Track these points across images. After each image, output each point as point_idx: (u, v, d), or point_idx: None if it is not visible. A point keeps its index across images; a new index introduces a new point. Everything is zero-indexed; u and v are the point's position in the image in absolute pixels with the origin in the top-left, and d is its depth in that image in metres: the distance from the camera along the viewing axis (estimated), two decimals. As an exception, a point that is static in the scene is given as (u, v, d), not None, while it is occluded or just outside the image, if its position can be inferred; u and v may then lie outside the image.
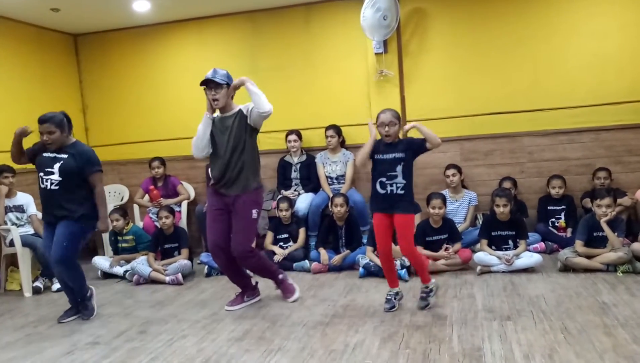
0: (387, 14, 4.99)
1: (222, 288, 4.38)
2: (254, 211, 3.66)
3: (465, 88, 5.32)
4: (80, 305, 3.80)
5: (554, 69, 5.13)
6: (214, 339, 3.24)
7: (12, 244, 4.65)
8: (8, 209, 4.74)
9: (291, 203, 5.09)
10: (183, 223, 5.57)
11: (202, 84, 3.63)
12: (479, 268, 4.29)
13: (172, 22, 6.00)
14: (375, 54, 5.30)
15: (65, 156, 3.59)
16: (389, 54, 5.34)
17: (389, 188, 3.40)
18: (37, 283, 4.67)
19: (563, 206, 4.98)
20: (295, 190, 5.42)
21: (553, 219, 4.99)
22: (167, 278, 4.62)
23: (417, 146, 3.42)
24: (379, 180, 3.44)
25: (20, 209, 4.81)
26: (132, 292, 4.48)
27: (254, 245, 3.93)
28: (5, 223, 4.69)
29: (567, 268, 4.15)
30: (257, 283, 3.97)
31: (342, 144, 5.46)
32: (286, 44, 5.71)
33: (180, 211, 5.62)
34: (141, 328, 3.54)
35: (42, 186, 3.61)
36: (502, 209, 4.33)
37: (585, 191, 5.03)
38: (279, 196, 5.25)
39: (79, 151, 3.63)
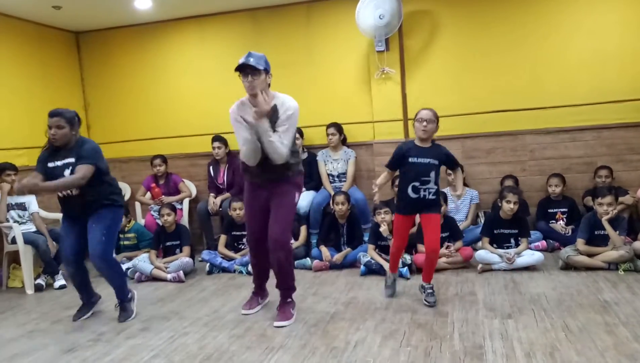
0: (384, 13, 4.97)
1: (223, 286, 4.39)
2: (296, 194, 3.40)
3: (467, 86, 5.31)
4: (119, 306, 3.69)
5: (556, 67, 5.12)
6: (215, 336, 3.25)
7: (14, 241, 4.66)
8: (10, 207, 4.75)
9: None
10: (185, 220, 5.57)
11: (237, 69, 3.15)
12: (480, 266, 4.29)
13: (173, 20, 6.00)
14: (377, 52, 5.29)
15: (73, 159, 3.43)
16: (391, 52, 5.34)
17: (422, 193, 3.39)
18: (39, 281, 4.68)
19: (564, 209, 4.98)
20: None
21: (553, 221, 4.99)
22: (169, 276, 4.63)
23: (447, 165, 3.54)
24: (412, 184, 3.40)
25: (22, 206, 4.82)
26: (133, 289, 4.48)
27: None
28: (8, 221, 4.70)
29: (568, 267, 4.15)
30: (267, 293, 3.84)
31: (344, 142, 5.47)
32: (287, 42, 5.71)
33: (181, 209, 5.63)
34: (143, 325, 3.55)
35: (61, 195, 3.47)
36: (513, 207, 4.31)
37: (586, 190, 5.02)
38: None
39: (81, 146, 3.44)
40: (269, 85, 3.22)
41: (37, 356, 3.14)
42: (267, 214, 3.35)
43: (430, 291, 3.56)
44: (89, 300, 3.81)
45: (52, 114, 3.42)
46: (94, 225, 3.45)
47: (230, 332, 3.30)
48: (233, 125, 3.27)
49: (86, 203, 3.45)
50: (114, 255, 3.71)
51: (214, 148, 5.59)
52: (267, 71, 3.16)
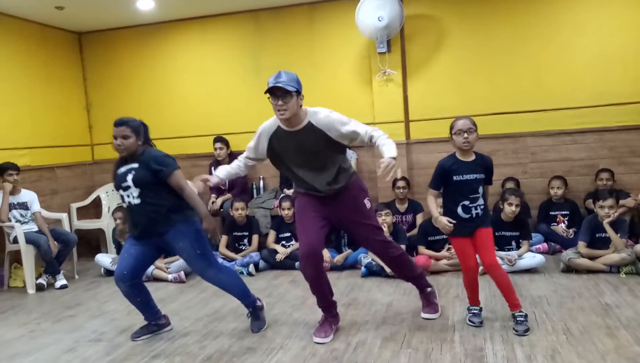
0: (384, 15, 4.96)
1: (224, 287, 4.39)
2: (367, 200, 3.20)
3: (469, 88, 5.32)
4: (250, 315, 3.39)
5: (558, 70, 5.12)
6: (215, 337, 3.25)
7: (15, 241, 4.66)
8: (12, 207, 4.75)
9: (294, 202, 5.09)
10: (186, 221, 5.57)
11: (267, 91, 2.91)
12: (481, 268, 4.27)
13: (175, 21, 6.01)
14: (379, 53, 5.29)
15: (137, 165, 3.17)
16: (393, 54, 5.34)
17: (473, 212, 3.08)
18: (41, 280, 4.69)
19: (566, 212, 4.98)
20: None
21: (554, 224, 4.99)
22: (170, 276, 4.63)
23: (488, 178, 3.19)
24: (462, 203, 3.07)
25: (24, 206, 4.83)
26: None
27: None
28: (10, 220, 4.71)
29: (569, 269, 4.14)
30: (336, 309, 3.32)
31: (345, 143, 5.46)
32: (290, 43, 5.72)
33: (183, 210, 5.62)
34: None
35: (125, 203, 3.23)
36: (514, 209, 4.30)
37: (588, 192, 5.02)
38: (282, 195, 5.26)
39: (148, 157, 3.18)
40: (301, 106, 2.99)
41: (38, 355, 3.15)
42: (324, 226, 3.13)
43: (520, 319, 3.05)
44: (154, 319, 3.41)
45: (118, 123, 3.19)
46: (181, 244, 3.16)
47: (231, 333, 3.31)
48: (257, 139, 3.15)
49: (153, 220, 3.15)
50: (219, 260, 3.52)
51: (215, 149, 5.59)
52: (298, 92, 2.94)
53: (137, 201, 3.13)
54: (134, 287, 3.27)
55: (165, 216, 3.14)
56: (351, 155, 5.38)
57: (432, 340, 3.00)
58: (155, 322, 3.40)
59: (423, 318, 3.34)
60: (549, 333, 2.98)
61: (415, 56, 5.42)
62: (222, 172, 3.35)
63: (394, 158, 2.86)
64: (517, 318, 3.04)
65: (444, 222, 3.09)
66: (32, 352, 3.22)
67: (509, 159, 5.31)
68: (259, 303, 3.41)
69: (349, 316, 3.48)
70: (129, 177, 3.14)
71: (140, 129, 3.23)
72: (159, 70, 6.11)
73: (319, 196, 3.09)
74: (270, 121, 3.10)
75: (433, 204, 3.21)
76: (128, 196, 3.16)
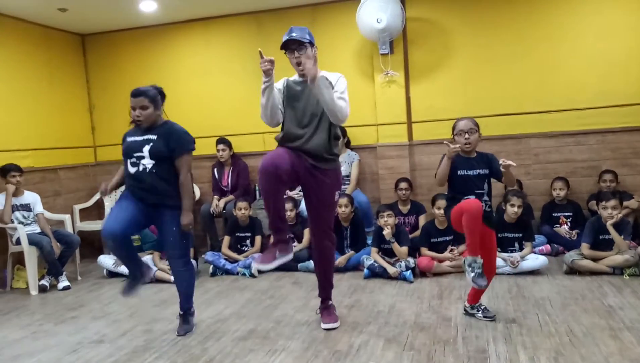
0: (383, 17, 4.96)
1: (226, 288, 4.39)
2: (337, 193, 3.27)
3: (471, 89, 5.31)
4: (181, 317, 3.40)
5: (560, 71, 5.11)
6: (218, 338, 3.25)
7: (18, 242, 4.67)
8: (15, 208, 4.76)
9: (296, 203, 5.10)
10: (188, 222, 5.57)
11: (282, 47, 3.13)
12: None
13: (178, 23, 6.02)
14: (381, 54, 5.29)
15: (155, 136, 3.16)
16: (395, 55, 5.34)
17: None
18: (43, 282, 4.69)
19: (569, 213, 4.96)
20: (300, 190, 5.42)
21: (557, 225, 4.98)
22: (172, 278, 4.62)
23: (496, 171, 3.13)
24: (467, 198, 3.04)
25: (27, 208, 4.84)
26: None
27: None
28: (12, 222, 4.72)
29: (572, 271, 4.13)
30: (290, 237, 3.46)
31: (347, 145, 5.47)
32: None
33: (185, 211, 5.63)
34: (146, 327, 3.55)
35: (133, 170, 3.17)
36: (517, 210, 4.30)
37: (591, 194, 5.01)
38: (285, 196, 5.25)
39: (168, 130, 3.18)
40: (316, 59, 3.01)
41: (41, 357, 3.15)
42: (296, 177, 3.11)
43: (483, 306, 3.31)
44: (140, 269, 3.36)
45: (135, 94, 3.15)
46: (175, 229, 3.20)
47: (232, 334, 3.30)
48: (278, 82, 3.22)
49: (161, 193, 3.15)
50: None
51: (218, 150, 5.60)
52: (312, 43, 3.10)
53: (151, 171, 3.15)
54: (125, 243, 3.19)
55: (171, 194, 3.17)
56: (354, 157, 5.38)
57: (435, 341, 2.99)
58: (142, 269, 3.38)
59: (324, 329, 3.25)
60: (552, 335, 2.97)
61: (418, 57, 5.42)
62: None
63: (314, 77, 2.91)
64: (481, 307, 3.29)
65: (451, 146, 3.04)
66: (34, 353, 3.22)
67: (512, 160, 5.24)
68: (192, 309, 3.46)
69: (351, 317, 3.48)
70: (146, 148, 3.14)
71: (157, 99, 3.21)
72: (162, 72, 6.12)
73: (305, 162, 3.10)
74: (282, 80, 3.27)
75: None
76: (140, 165, 3.15)
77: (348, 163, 5.37)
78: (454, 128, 3.19)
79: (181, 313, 3.41)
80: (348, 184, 5.33)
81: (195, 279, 3.50)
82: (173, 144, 3.15)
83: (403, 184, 5.10)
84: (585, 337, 2.92)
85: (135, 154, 3.16)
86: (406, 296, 3.87)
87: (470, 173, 3.10)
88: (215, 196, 5.58)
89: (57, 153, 5.81)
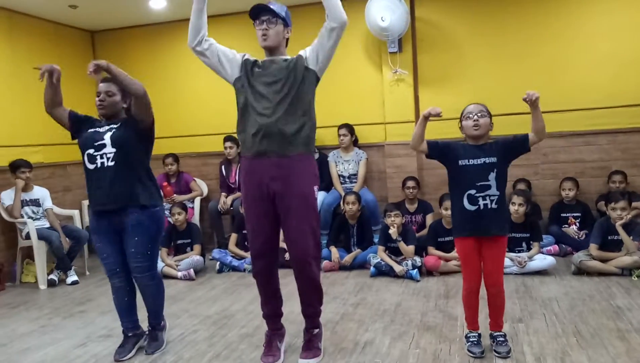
0: (387, 15, 4.94)
1: (233, 284, 4.41)
2: (315, 188, 2.75)
3: (480, 88, 5.28)
4: (149, 334, 3.09)
5: (570, 70, 5.08)
6: (224, 335, 3.26)
7: (28, 237, 4.72)
8: (24, 203, 4.81)
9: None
10: (196, 219, 5.60)
11: (251, 13, 2.83)
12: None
13: (187, 20, 5.92)
14: (390, 53, 5.28)
15: (117, 124, 2.94)
16: (404, 53, 5.33)
17: (481, 203, 2.68)
18: (52, 276, 4.73)
19: (578, 214, 4.93)
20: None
21: (566, 226, 4.95)
22: (179, 274, 4.66)
23: (517, 144, 2.75)
24: (467, 193, 2.71)
25: (36, 203, 4.88)
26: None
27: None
28: (22, 217, 4.76)
29: (581, 272, 4.11)
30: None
31: (355, 143, 5.46)
32: (301, 42, 5.61)
33: (193, 208, 5.66)
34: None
35: (92, 166, 2.86)
36: (517, 208, 4.28)
37: (600, 194, 4.97)
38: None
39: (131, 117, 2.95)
40: (287, 42, 2.83)
41: (49, 350, 3.18)
42: (276, 221, 2.78)
43: (501, 339, 2.78)
44: (134, 330, 3.08)
45: (105, 80, 2.97)
46: (137, 239, 2.87)
47: (239, 331, 3.32)
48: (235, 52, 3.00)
49: (122, 194, 2.84)
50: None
51: (225, 148, 5.61)
52: (286, 23, 2.80)
53: (111, 163, 2.83)
54: (129, 282, 3.01)
55: (134, 188, 2.85)
56: (361, 155, 5.38)
57: (441, 340, 2.99)
58: (137, 332, 3.09)
59: (301, 361, 2.79)
60: (559, 336, 2.95)
61: (427, 56, 5.40)
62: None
63: None
64: (498, 339, 2.78)
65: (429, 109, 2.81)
66: (43, 346, 3.25)
67: (520, 160, 5.16)
68: (162, 323, 3.14)
69: (357, 315, 3.48)
70: (107, 136, 2.87)
71: (126, 92, 2.95)
72: (171, 69, 6.15)
73: (267, 161, 2.68)
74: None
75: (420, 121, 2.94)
76: (100, 156, 2.84)
77: (355, 161, 5.37)
78: (462, 114, 2.88)
79: (150, 329, 3.09)
80: (355, 182, 5.33)
81: (164, 291, 3.13)
82: (134, 124, 2.94)
83: (410, 183, 5.09)
84: (593, 338, 2.90)
85: (96, 144, 2.86)
86: (412, 295, 3.86)
87: (473, 162, 2.73)
88: (223, 193, 5.60)
89: (66, 148, 5.80)
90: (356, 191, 5.01)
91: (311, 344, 2.86)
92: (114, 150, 2.86)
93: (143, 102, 2.92)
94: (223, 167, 5.72)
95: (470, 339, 2.81)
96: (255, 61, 2.88)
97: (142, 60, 6.21)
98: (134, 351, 3.01)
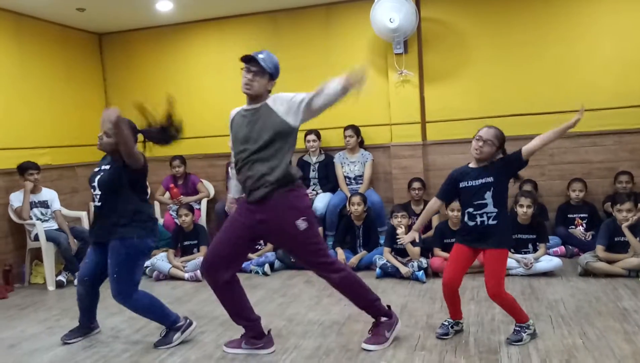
0: (395, 16, 4.94)
1: (239, 286, 4.42)
2: (301, 221, 2.80)
3: (486, 89, 5.28)
4: (165, 332, 3.25)
5: (576, 71, 5.06)
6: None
7: (36, 238, 4.76)
8: (33, 205, 4.85)
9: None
10: (202, 220, 5.63)
11: (243, 59, 2.93)
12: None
13: (194, 22, 6.06)
14: (395, 54, 5.28)
15: (108, 166, 3.15)
16: (409, 55, 5.33)
17: (478, 219, 2.91)
18: (61, 277, 4.77)
19: (584, 215, 4.92)
20: (313, 190, 5.44)
21: (572, 227, 4.94)
22: (186, 275, 4.68)
23: (511, 163, 2.95)
24: (467, 211, 2.95)
25: (45, 204, 4.92)
26: (151, 288, 4.53)
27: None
28: (31, 218, 4.80)
29: (587, 273, 4.10)
30: (269, 330, 3.14)
31: (361, 144, 5.47)
32: (306, 44, 5.74)
33: (199, 209, 5.69)
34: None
35: (93, 205, 3.24)
36: (525, 210, 4.28)
37: (607, 195, 4.95)
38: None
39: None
40: (269, 92, 2.95)
41: (57, 352, 3.21)
42: (246, 246, 3.10)
43: (517, 328, 2.95)
44: (88, 325, 3.42)
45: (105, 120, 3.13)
46: (109, 260, 3.09)
47: (245, 332, 3.33)
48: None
49: (108, 226, 3.09)
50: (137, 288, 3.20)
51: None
52: (272, 77, 2.91)
53: (98, 204, 3.14)
54: (92, 292, 3.31)
55: (116, 225, 3.06)
56: (367, 156, 5.38)
57: (447, 342, 2.99)
58: (90, 326, 3.43)
59: (362, 348, 2.95)
60: (565, 337, 2.95)
61: (433, 57, 5.40)
62: (235, 191, 3.42)
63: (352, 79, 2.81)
64: (515, 328, 2.95)
65: (402, 236, 3.29)
66: (51, 347, 3.28)
67: (527, 161, 5.25)
68: (181, 322, 3.24)
69: (363, 317, 3.48)
70: (97, 177, 3.16)
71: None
72: (178, 71, 6.18)
73: (249, 205, 2.94)
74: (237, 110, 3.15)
75: (425, 213, 3.18)
76: (94, 197, 3.17)
77: (361, 162, 5.37)
78: (479, 130, 3.01)
79: (167, 330, 3.23)
80: (361, 183, 5.34)
81: (151, 307, 3.21)
82: (119, 163, 3.09)
83: (416, 184, 5.09)
84: (599, 339, 2.90)
85: (92, 184, 3.18)
86: (418, 296, 3.87)
87: (471, 183, 2.94)
88: (230, 195, 5.61)
89: (74, 150, 5.89)
90: (362, 192, 5.02)
91: (376, 330, 3.01)
92: (99, 192, 3.14)
93: (132, 160, 3.09)
94: (229, 168, 5.73)
95: (443, 322, 3.12)
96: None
97: (149, 62, 6.24)
98: (80, 338, 3.34)
